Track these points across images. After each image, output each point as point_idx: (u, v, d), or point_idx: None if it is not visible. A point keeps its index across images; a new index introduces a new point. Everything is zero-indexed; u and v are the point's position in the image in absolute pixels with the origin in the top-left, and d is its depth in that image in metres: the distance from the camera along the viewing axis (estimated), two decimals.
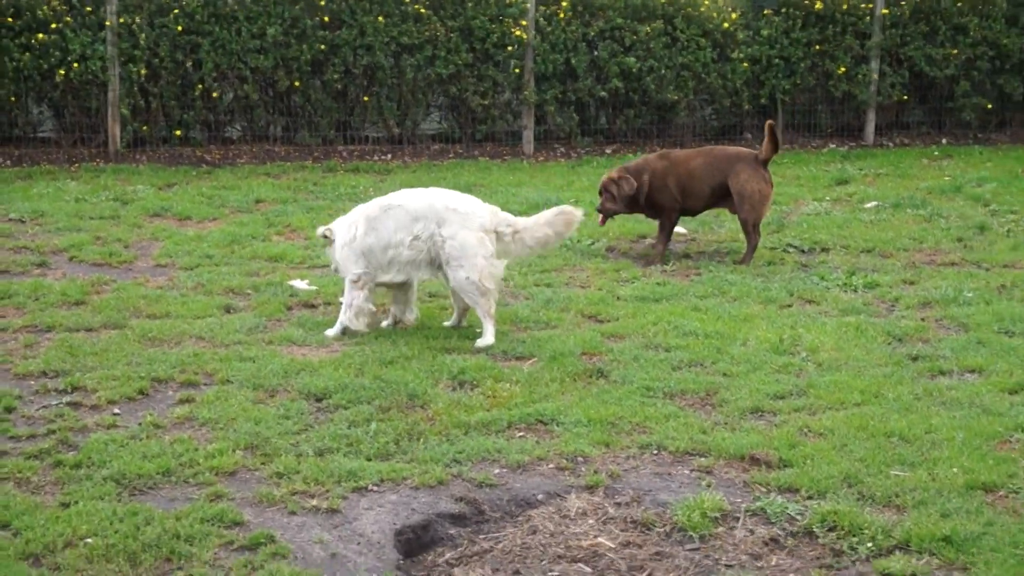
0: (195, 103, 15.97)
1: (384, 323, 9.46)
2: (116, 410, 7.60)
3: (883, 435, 7.19)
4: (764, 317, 9.67)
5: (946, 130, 18.80)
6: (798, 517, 6.24)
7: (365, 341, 8.99)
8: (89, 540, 5.86)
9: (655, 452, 7.07)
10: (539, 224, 9.25)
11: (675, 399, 7.90)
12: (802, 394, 7.97)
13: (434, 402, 7.74)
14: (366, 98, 16.50)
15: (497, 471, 6.79)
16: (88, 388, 7.91)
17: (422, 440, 7.16)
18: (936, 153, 17.58)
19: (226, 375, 8.18)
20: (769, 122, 11.72)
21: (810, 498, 6.44)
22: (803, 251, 11.93)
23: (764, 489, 6.56)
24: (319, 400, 7.81)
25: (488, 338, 8.96)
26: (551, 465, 6.88)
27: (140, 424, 7.35)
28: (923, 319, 9.69)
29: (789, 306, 10.08)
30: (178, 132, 16.00)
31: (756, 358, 8.64)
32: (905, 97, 18.29)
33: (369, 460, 6.86)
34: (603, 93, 16.90)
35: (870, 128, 18.25)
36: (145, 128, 15.90)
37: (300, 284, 10.41)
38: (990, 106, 18.52)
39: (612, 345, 8.94)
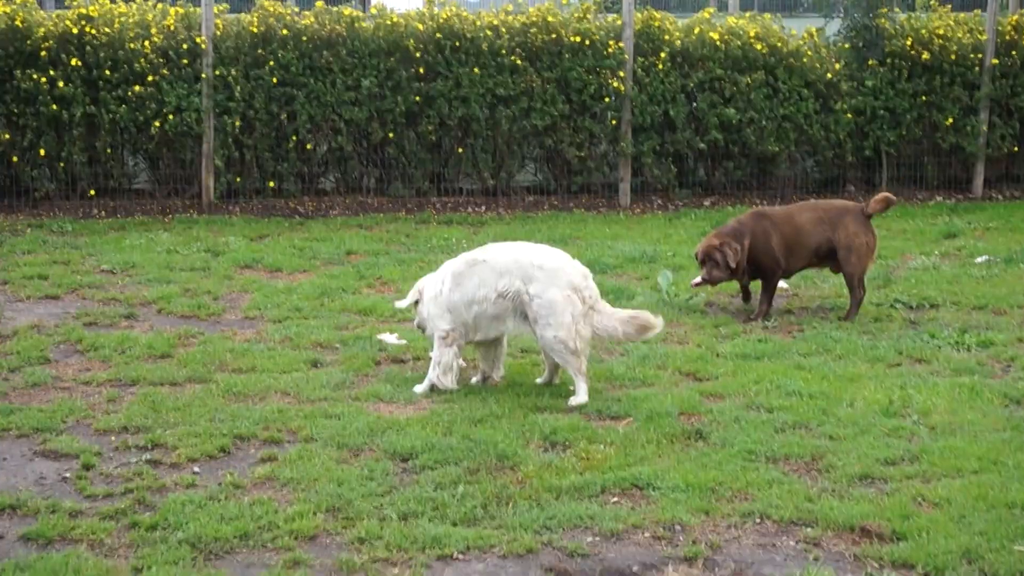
0: (289, 155, 15.85)
1: (474, 379, 9.15)
2: (196, 468, 7.36)
3: (1004, 506, 6.72)
4: (871, 377, 9.22)
5: None
6: None
7: (454, 399, 8.68)
8: None
9: (758, 521, 6.65)
10: (615, 316, 8.85)
11: (779, 464, 7.49)
12: (915, 460, 7.52)
13: (524, 464, 7.40)
14: (460, 150, 16.29)
15: (590, 539, 6.42)
16: (168, 445, 7.68)
17: (511, 504, 6.81)
18: None
19: (310, 433, 7.92)
20: (886, 194, 11.36)
21: (927, 575, 5.98)
22: (911, 307, 11.44)
23: (876, 565, 6.12)
24: (405, 460, 7.51)
25: (581, 396, 8.61)
26: (647, 534, 6.49)
27: (220, 484, 7.10)
28: None
29: (898, 365, 9.61)
30: (271, 184, 15.90)
31: (864, 420, 8.20)
32: (1016, 149, 17.69)
33: (455, 525, 6.53)
34: (702, 145, 16.53)
35: (978, 181, 17.68)
36: (239, 179, 15.81)
37: (390, 338, 10.15)
38: None
39: (711, 405, 8.55)
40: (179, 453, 7.52)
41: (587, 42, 16.17)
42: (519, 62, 16.00)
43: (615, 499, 6.95)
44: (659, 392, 8.82)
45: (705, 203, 16.85)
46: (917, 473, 7.28)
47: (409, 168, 16.30)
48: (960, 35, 17.29)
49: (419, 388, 8.89)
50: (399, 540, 6.31)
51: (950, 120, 17.21)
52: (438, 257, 13.08)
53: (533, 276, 8.66)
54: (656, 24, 16.58)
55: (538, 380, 9.14)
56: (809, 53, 16.81)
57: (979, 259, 13.49)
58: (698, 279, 11.13)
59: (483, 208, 16.38)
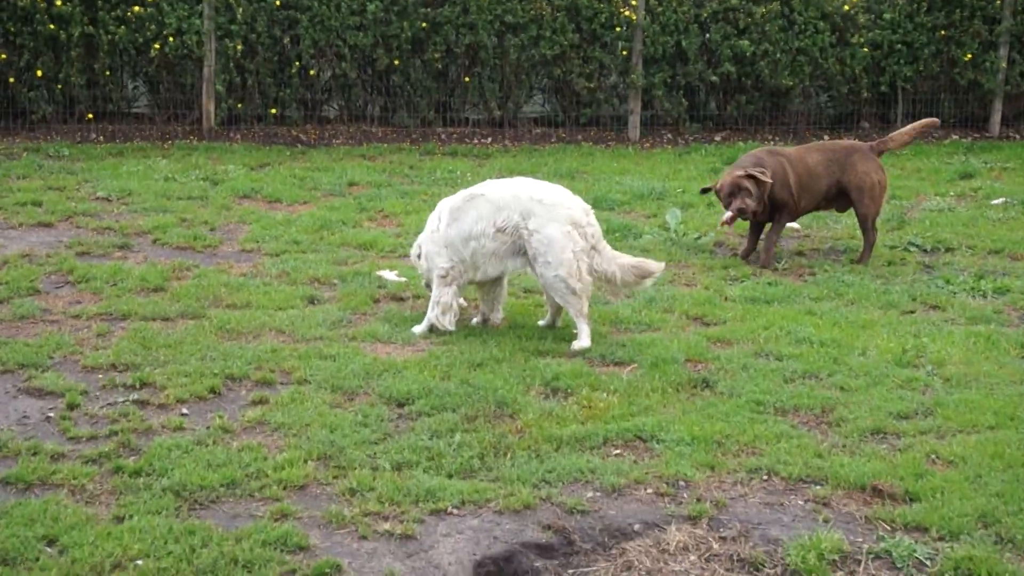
0: (291, 81, 15.50)
1: (474, 320, 8.89)
2: (184, 410, 7.10)
3: (1021, 465, 6.46)
4: (885, 324, 8.94)
5: None
6: (928, 563, 5.53)
7: (453, 340, 8.42)
8: (139, 562, 5.36)
9: (765, 478, 6.40)
10: (616, 260, 8.55)
11: (788, 416, 7.22)
12: (928, 414, 7.25)
13: (524, 412, 7.14)
14: (467, 79, 15.93)
15: (590, 495, 6.17)
16: (157, 385, 7.42)
17: (509, 456, 6.56)
18: None
19: (304, 374, 7.66)
20: (930, 121, 11.11)
21: (941, 539, 5.73)
22: (925, 251, 11.15)
23: (888, 527, 5.86)
24: (401, 406, 7.25)
25: (584, 340, 8.34)
26: (650, 490, 6.24)
27: (208, 428, 6.84)
28: None
29: (912, 312, 9.33)
30: (273, 111, 15.57)
31: (876, 371, 7.92)
32: None
33: (450, 478, 6.28)
34: (714, 78, 16.15)
35: (996, 119, 17.29)
36: (240, 106, 15.49)
37: (389, 275, 9.87)
38: None
39: (719, 352, 8.28)
40: (168, 393, 7.26)
41: None
42: None
43: (617, 451, 6.69)
44: (665, 337, 8.55)
45: (716, 138, 16.50)
46: (931, 428, 7.02)
47: (414, 97, 15.95)
48: None
49: (418, 328, 8.62)
50: (392, 492, 6.06)
51: (969, 55, 16.80)
52: (442, 190, 12.79)
53: (532, 211, 8.36)
54: None
55: (540, 322, 8.87)
56: None
57: (996, 201, 13.17)
58: (728, 215, 10.43)
59: (489, 139, 16.04)
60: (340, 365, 7.81)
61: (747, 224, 10.91)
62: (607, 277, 8.53)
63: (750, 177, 10.33)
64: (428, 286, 8.84)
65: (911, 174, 14.60)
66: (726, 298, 9.59)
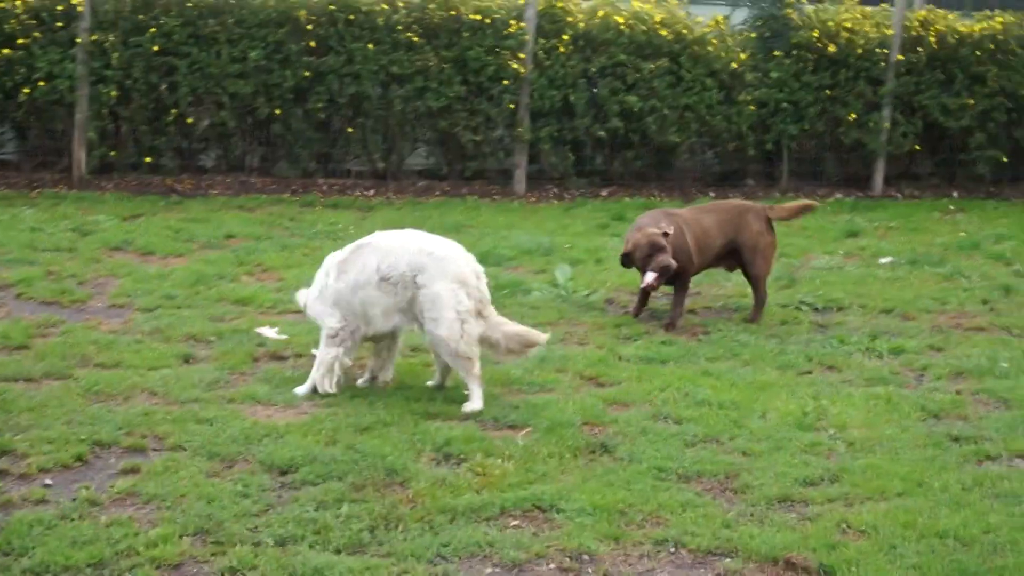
0: (167, 128, 14.94)
1: (360, 381, 8.46)
2: (48, 480, 6.57)
3: (935, 535, 6.22)
4: (783, 385, 8.71)
5: (957, 183, 17.91)
6: None
7: (338, 402, 7.99)
8: None
9: (672, 550, 6.07)
10: (501, 327, 8.20)
11: (691, 483, 6.91)
12: (835, 480, 7.00)
13: (415, 480, 6.73)
14: (350, 129, 15.51)
15: (489, 571, 5.78)
16: (18, 452, 6.87)
17: (401, 528, 6.15)
18: (949, 207, 16.67)
19: (178, 440, 7.17)
20: (810, 204, 11.11)
21: None
22: (817, 309, 10.99)
23: None
24: (283, 474, 6.80)
25: (475, 403, 7.97)
26: (552, 565, 5.87)
27: (74, 500, 6.32)
28: (958, 392, 8.74)
29: (809, 372, 9.12)
30: (148, 159, 14.99)
31: (778, 434, 7.67)
32: (917, 147, 17.38)
33: (339, 553, 5.85)
34: (601, 133, 15.94)
35: (879, 178, 17.34)
36: (113, 153, 14.88)
37: (269, 332, 9.39)
38: (1005, 159, 17.62)
39: (616, 414, 7.97)
40: (30, 462, 6.71)
41: (488, 20, 15.49)
42: (415, 39, 15.28)
43: (516, 522, 6.32)
44: (560, 399, 8.21)
45: (603, 193, 16.30)
46: (839, 495, 6.76)
47: (296, 147, 15.50)
48: (867, 28, 16.92)
49: (300, 390, 8.18)
50: (275, 571, 5.61)
51: (853, 115, 16.84)
52: (323, 243, 12.37)
53: (421, 264, 7.99)
54: (560, 5, 15.93)
55: (429, 383, 8.48)
56: (715, 42, 16.32)
57: (883, 260, 13.11)
58: (651, 276, 9.93)
59: (372, 192, 15.64)
60: (217, 430, 7.33)
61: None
62: (491, 343, 8.19)
63: (663, 233, 9.98)
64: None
65: (797, 232, 14.50)
66: (620, 357, 9.29)
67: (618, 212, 14.91)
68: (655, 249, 9.88)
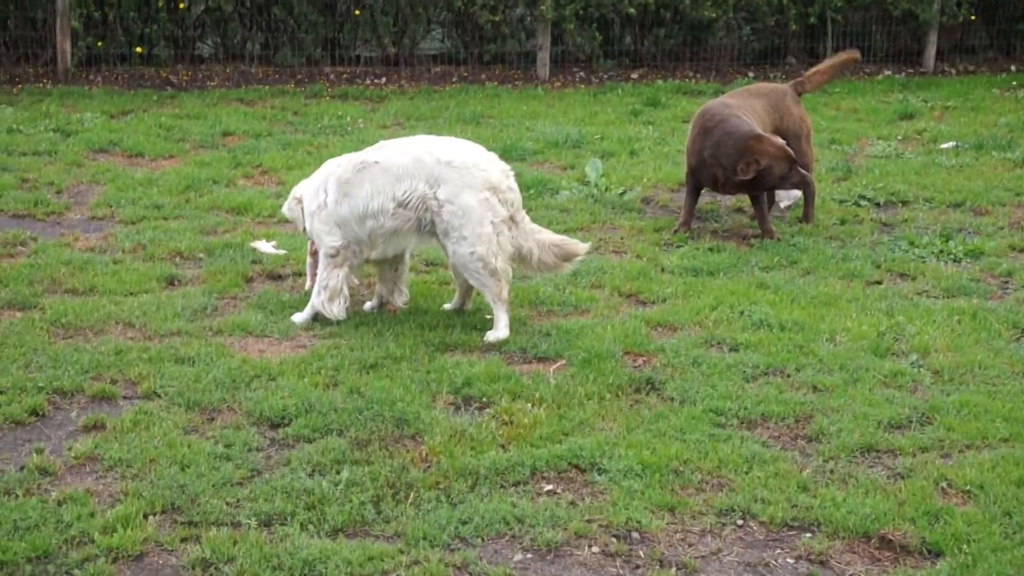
0: (159, 15, 13.70)
1: (368, 305, 7.40)
2: None
3: None
4: (851, 299, 7.61)
5: (1016, 55, 16.56)
6: None
7: (342, 332, 6.93)
8: None
9: (740, 523, 5.02)
10: (535, 236, 7.12)
11: (756, 429, 5.85)
12: (926, 422, 5.92)
13: (430, 432, 5.68)
14: (357, 11, 14.23)
15: (519, 558, 4.74)
16: None
17: (412, 499, 5.11)
18: (1011, 83, 15.35)
19: (153, 385, 6.14)
20: (850, 55, 9.75)
21: None
22: (878, 205, 9.84)
23: None
24: (274, 427, 5.77)
25: (501, 331, 6.90)
26: (595, 548, 4.82)
27: (22, 468, 5.30)
28: None
29: (879, 283, 8.01)
30: (139, 49, 13.79)
31: (853, 363, 6.58)
32: (972, 17, 16.01)
33: (335, 536, 4.82)
34: (631, 8, 14.60)
35: (930, 52, 16.01)
36: (100, 44, 13.67)
37: (265, 247, 8.31)
38: None
39: (662, 341, 6.88)
40: None
41: None
42: None
43: (550, 487, 5.28)
44: (597, 322, 7.13)
45: (633, 76, 15.04)
46: (933, 443, 5.68)
47: (299, 32, 14.24)
48: None
49: (299, 317, 7.12)
50: (257, 564, 4.58)
51: None
52: (329, 140, 11.25)
53: (441, 176, 6.86)
54: None
55: (446, 306, 7.40)
56: None
57: (945, 145, 11.90)
58: (792, 198, 9.02)
59: (383, 80, 14.43)
60: (200, 371, 6.29)
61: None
62: (522, 255, 7.09)
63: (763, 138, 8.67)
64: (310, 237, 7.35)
65: (847, 115, 13.29)
66: (663, 269, 8.18)
67: (651, 96, 13.68)
68: (792, 162, 8.62)
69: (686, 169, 9.03)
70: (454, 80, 14.55)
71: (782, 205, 9.12)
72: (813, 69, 9.99)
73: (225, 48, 14.42)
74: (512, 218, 6.96)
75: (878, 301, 7.58)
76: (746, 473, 5.36)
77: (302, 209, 7.27)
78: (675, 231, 8.91)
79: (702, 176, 8.86)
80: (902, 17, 15.82)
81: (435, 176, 6.85)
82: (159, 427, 5.67)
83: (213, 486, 5.16)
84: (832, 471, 5.41)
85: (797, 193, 8.84)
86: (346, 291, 7.09)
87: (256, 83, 13.85)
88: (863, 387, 6.28)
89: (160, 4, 13.57)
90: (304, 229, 7.37)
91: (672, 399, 6.13)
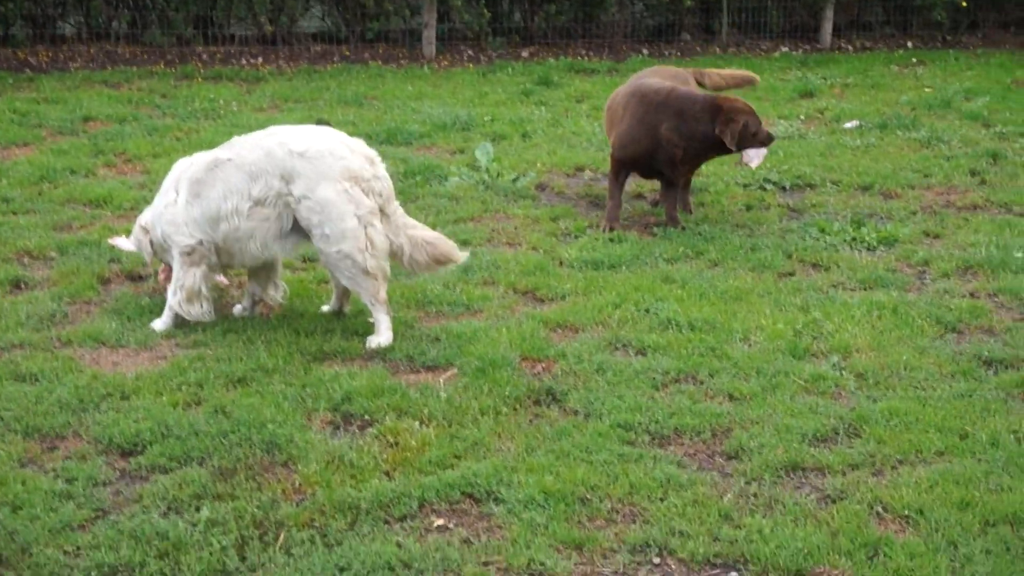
0: None
1: (237, 308, 6.69)
2: None
3: (1004, 521, 4.61)
4: (763, 293, 7.08)
5: (912, 32, 16.25)
6: None
7: (208, 339, 6.23)
8: None
9: (656, 561, 4.42)
10: (407, 230, 6.42)
11: (670, 446, 5.26)
12: (854, 434, 5.39)
13: (304, 459, 5.01)
14: None
15: None
16: None
17: (282, 540, 4.43)
18: (910, 60, 15.00)
19: None
20: (750, 76, 9.22)
21: None
22: (784, 188, 9.35)
23: None
24: (126, 455, 5.07)
25: (383, 335, 6.24)
26: None
27: None
28: (973, 294, 7.17)
29: (791, 275, 7.49)
30: None
31: (770, 366, 6.03)
32: None
33: None
34: None
35: (827, 28, 15.63)
36: None
37: (125, 244, 7.47)
38: (964, 4, 15.94)
39: (563, 344, 6.28)
40: None
41: None
42: None
43: (440, 521, 4.63)
44: (491, 324, 6.50)
45: (523, 54, 14.41)
46: (863, 459, 5.14)
47: (168, 9, 13.37)
48: None
49: (159, 323, 6.41)
50: None
51: None
52: (200, 124, 10.48)
53: (295, 169, 6.14)
54: None
55: (324, 308, 6.73)
56: None
57: (849, 124, 11.48)
58: (761, 156, 8.30)
59: (260, 60, 13.63)
60: (43, 391, 5.56)
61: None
62: (392, 251, 6.40)
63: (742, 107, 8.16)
64: (163, 260, 6.66)
65: (745, 93, 12.70)
66: (561, 262, 7.58)
67: (543, 75, 13.08)
68: (758, 117, 8.14)
69: (619, 157, 8.26)
70: (335, 60, 13.80)
71: (752, 165, 8.51)
72: (714, 70, 9.47)
73: (89, 27, 13.50)
74: (382, 210, 6.28)
75: (792, 295, 7.06)
76: (661, 500, 4.76)
77: (150, 240, 6.54)
78: (605, 229, 8.21)
79: (653, 160, 8.13)
80: None
81: (288, 169, 6.15)
82: None
83: (49, 531, 4.44)
84: (756, 495, 4.83)
85: (764, 151, 8.22)
86: (206, 291, 6.37)
87: (123, 64, 12.97)
88: (783, 394, 5.73)
89: None
90: (148, 263, 6.73)
91: (576, 412, 5.52)
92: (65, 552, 4.33)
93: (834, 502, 4.79)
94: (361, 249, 6.16)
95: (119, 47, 13.40)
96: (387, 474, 4.93)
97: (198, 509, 4.61)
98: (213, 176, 6.23)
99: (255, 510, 4.61)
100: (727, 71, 9.56)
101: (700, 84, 9.00)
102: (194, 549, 4.35)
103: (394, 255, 6.40)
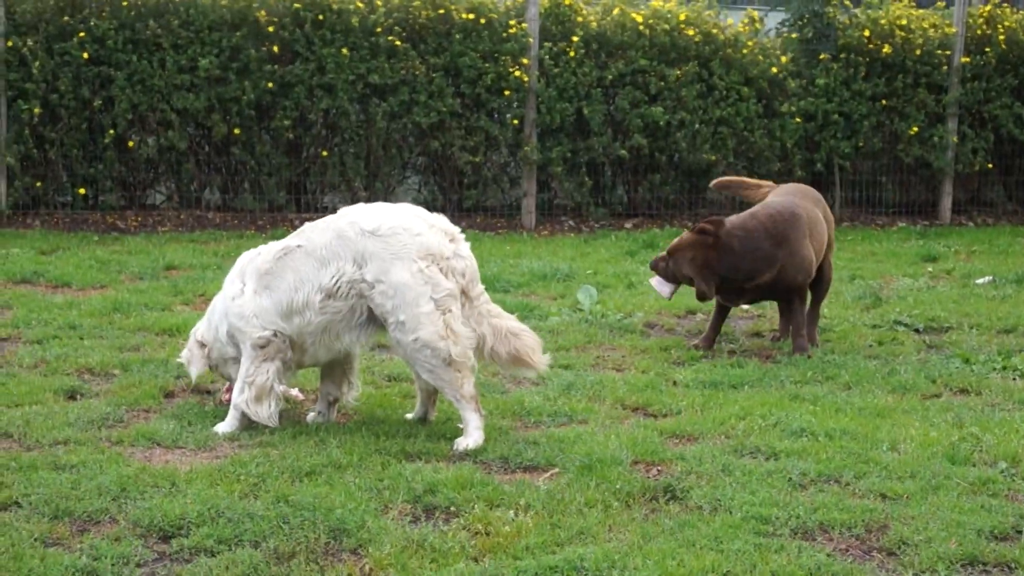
0: (105, 154, 12.44)
1: (311, 415, 5.93)
2: None
3: None
4: (907, 411, 6.19)
5: None
6: None
7: (274, 442, 5.46)
8: None
9: None
10: (491, 319, 5.73)
11: (816, 539, 4.36)
12: None
13: (377, 542, 4.19)
14: (325, 153, 13.03)
15: None
16: None
17: None
18: None
19: (16, 493, 4.63)
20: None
21: None
22: (917, 331, 8.45)
23: None
24: (167, 539, 4.27)
25: (473, 436, 5.44)
26: None
27: None
28: None
29: (937, 396, 6.60)
30: (82, 191, 12.51)
31: (926, 470, 5.13)
32: (990, 165, 14.88)
33: None
34: (622, 151, 13.44)
35: (946, 203, 14.81)
36: (39, 184, 12.38)
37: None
38: None
39: (681, 449, 5.43)
40: None
41: (483, 20, 13.01)
42: (398, 43, 12.80)
43: None
44: (598, 430, 5.67)
45: (627, 225, 13.78)
46: None
47: (261, 175, 13.00)
48: (925, 26, 14.49)
49: (222, 426, 5.68)
50: None
51: (915, 129, 14.35)
52: None
53: (367, 251, 5.49)
54: (567, 2, 13.51)
55: (409, 415, 5.95)
56: (750, 44, 13.88)
57: (981, 280, 10.59)
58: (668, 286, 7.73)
59: None
60: (81, 478, 4.82)
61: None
62: (490, 340, 5.67)
63: None
64: (222, 374, 5.98)
65: (864, 256, 12.01)
66: (675, 382, 6.76)
67: (648, 241, 12.41)
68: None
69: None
70: None
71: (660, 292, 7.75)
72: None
73: (179, 192, 13.15)
74: (465, 292, 5.56)
75: (942, 412, 6.17)
76: None
77: (207, 353, 5.89)
78: (693, 347, 7.52)
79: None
80: (914, 165, 14.68)
81: (360, 251, 5.49)
82: (6, 538, 4.16)
83: None
84: None
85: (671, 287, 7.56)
86: (278, 390, 5.64)
87: (212, 227, 12.54)
88: (947, 495, 4.85)
89: (107, 141, 12.31)
90: (194, 379, 6.09)
91: (700, 507, 4.66)
92: None
93: None
94: (442, 336, 5.42)
95: (210, 213, 13.02)
96: (475, 559, 4.09)
97: None
98: (282, 265, 5.59)
99: None
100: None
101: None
102: None
103: (485, 346, 5.65)
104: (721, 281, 7.43)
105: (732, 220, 7.61)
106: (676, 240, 7.66)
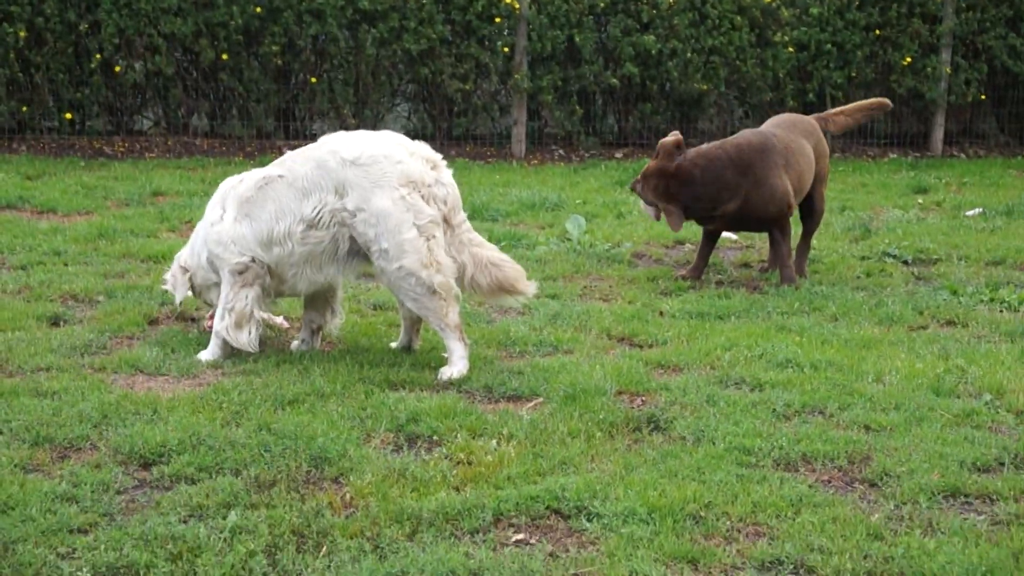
0: (92, 79, 12.33)
1: (295, 344, 5.90)
2: None
3: None
4: (894, 343, 6.16)
5: None
6: None
7: (260, 368, 5.43)
8: None
9: None
10: (472, 248, 5.64)
11: (799, 470, 4.35)
12: (1021, 465, 4.43)
13: (358, 471, 4.17)
14: (314, 79, 12.92)
15: None
16: None
17: (324, 549, 3.58)
18: None
19: None
20: (881, 102, 8.53)
21: None
22: (906, 262, 8.41)
23: None
24: (147, 466, 4.25)
25: (458, 365, 5.41)
26: None
27: None
28: None
29: (923, 328, 6.57)
30: (69, 115, 12.41)
31: (911, 402, 5.11)
32: (983, 97, 14.79)
33: None
34: (613, 80, 13.34)
35: (938, 135, 14.74)
36: (25, 109, 12.28)
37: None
38: None
39: (666, 379, 5.41)
40: None
41: None
42: None
43: (520, 535, 3.76)
44: (583, 360, 5.65)
45: (617, 155, 13.71)
46: None
47: (249, 101, 12.90)
48: None
49: (205, 353, 5.64)
50: None
51: (908, 60, 14.25)
52: None
53: (347, 180, 5.41)
54: None
55: (393, 344, 5.91)
56: None
57: (971, 212, 10.55)
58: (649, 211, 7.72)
59: None
60: (61, 406, 4.78)
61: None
62: (473, 269, 5.61)
63: None
64: (204, 300, 5.94)
65: (855, 188, 11.96)
66: (661, 313, 6.73)
67: (638, 170, 12.28)
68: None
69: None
70: None
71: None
72: (836, 109, 8.64)
73: (167, 119, 13.04)
74: (446, 220, 5.51)
75: (928, 344, 6.13)
76: (792, 519, 3.86)
77: (190, 279, 5.84)
78: (680, 277, 7.52)
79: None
80: (907, 96, 14.58)
81: (341, 180, 5.42)
82: None
83: (42, 532, 3.63)
84: (911, 516, 3.93)
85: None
86: (258, 316, 5.61)
87: (199, 154, 12.45)
88: (930, 426, 4.81)
89: (93, 66, 12.19)
90: (178, 304, 6.04)
91: (683, 438, 4.64)
92: (57, 553, 3.52)
93: (1009, 526, 3.84)
94: (425, 263, 5.37)
95: (198, 139, 12.91)
96: (456, 488, 4.07)
97: (224, 515, 3.78)
98: (263, 195, 5.53)
99: (295, 519, 3.77)
100: (851, 106, 8.68)
101: (826, 132, 8.21)
102: (214, 553, 3.51)
103: (468, 276, 5.61)
104: (685, 209, 7.39)
105: (699, 149, 7.55)
106: (646, 165, 7.65)
